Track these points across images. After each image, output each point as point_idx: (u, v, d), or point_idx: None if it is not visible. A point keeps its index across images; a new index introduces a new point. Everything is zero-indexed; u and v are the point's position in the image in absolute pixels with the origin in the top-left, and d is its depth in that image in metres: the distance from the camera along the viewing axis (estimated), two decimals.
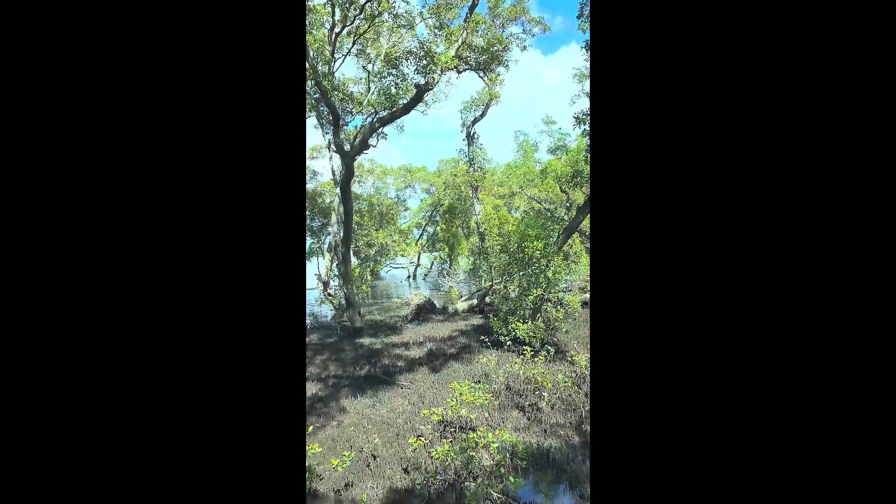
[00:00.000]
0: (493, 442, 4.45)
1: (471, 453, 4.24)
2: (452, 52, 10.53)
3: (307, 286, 25.28)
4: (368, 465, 4.90)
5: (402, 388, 7.56)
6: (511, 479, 3.54)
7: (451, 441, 4.73)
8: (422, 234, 32.05)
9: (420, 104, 11.54)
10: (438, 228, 30.02)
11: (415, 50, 11.13)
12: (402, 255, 29.57)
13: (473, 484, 4.17)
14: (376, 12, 11.24)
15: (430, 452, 4.80)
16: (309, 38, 10.53)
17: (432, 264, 33.91)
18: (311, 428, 5.04)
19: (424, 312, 14.35)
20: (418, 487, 4.30)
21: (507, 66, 13.68)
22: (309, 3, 11.47)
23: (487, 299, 13.87)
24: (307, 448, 4.64)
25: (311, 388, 7.76)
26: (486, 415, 5.89)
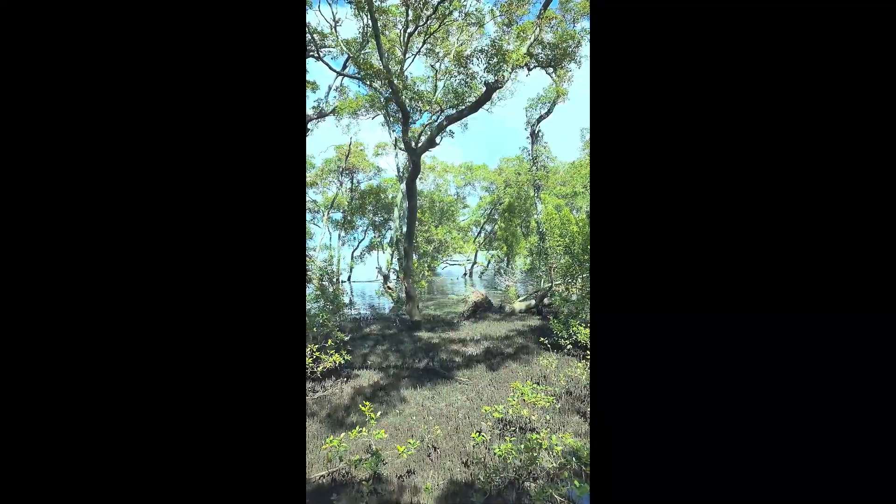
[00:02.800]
0: (556, 444, 4.40)
1: (533, 454, 4.22)
2: (524, 50, 10.41)
3: (368, 278, 26.25)
4: (429, 455, 5.04)
5: (459, 384, 7.65)
6: (576, 483, 3.49)
7: (512, 440, 4.74)
8: (480, 232, 32.06)
9: (487, 103, 11.54)
10: (497, 226, 29.87)
11: (485, 48, 11.13)
12: (460, 252, 29.77)
13: (534, 485, 4.16)
14: (447, 11, 11.37)
15: (490, 449, 4.84)
16: (382, 38, 10.89)
17: (489, 262, 33.82)
18: (377, 414, 5.26)
19: (481, 310, 14.38)
20: (479, 482, 4.35)
21: (578, 62, 13.29)
22: (382, 4, 11.85)
23: (546, 300, 13.63)
24: (374, 432, 4.85)
25: (374, 377, 8.07)
26: (548, 417, 5.82)
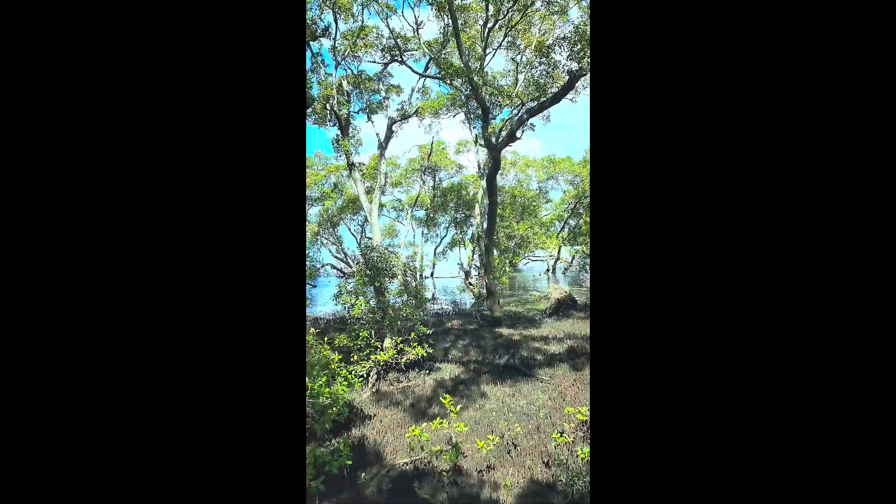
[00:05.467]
0: None
1: None
2: None
3: (451, 274, 26.77)
4: (509, 453, 5.01)
5: (541, 382, 7.49)
6: None
7: None
8: (563, 227, 30.97)
9: (571, 92, 11.08)
10: (582, 221, 28.59)
11: (568, 35, 10.69)
12: (542, 248, 29.05)
13: None
14: (529, 2, 11.11)
15: (574, 451, 4.68)
16: (463, 36, 10.97)
17: (573, 258, 32.52)
18: (457, 407, 5.36)
19: (564, 308, 13.91)
20: (560, 484, 4.24)
21: None
22: (463, 2, 11.92)
23: None
24: (454, 425, 4.96)
25: (455, 371, 8.23)
26: None
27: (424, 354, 8.09)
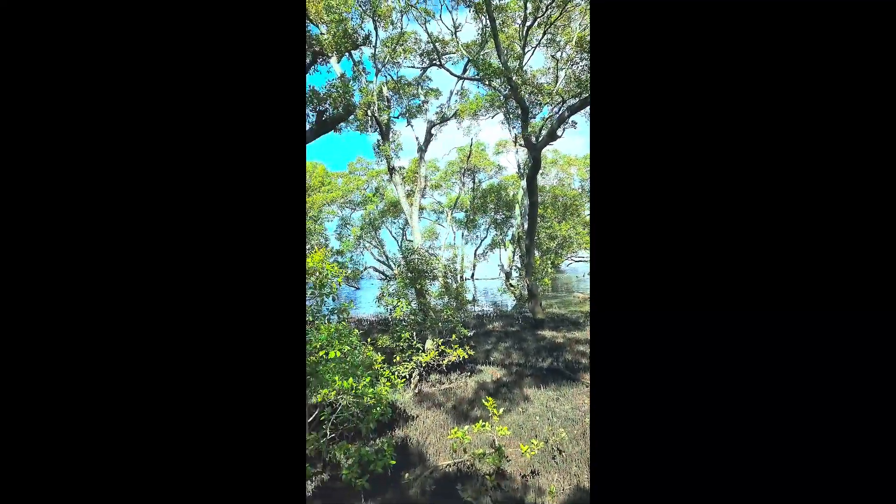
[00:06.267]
0: None
1: None
2: None
3: (491, 276, 26.60)
4: (554, 458, 4.90)
5: (586, 387, 7.27)
6: None
7: None
8: None
9: None
10: None
11: None
12: (585, 249, 28.27)
13: None
14: None
15: None
16: (501, 36, 10.90)
17: None
18: (500, 410, 5.31)
19: None
20: None
21: None
22: (500, 2, 11.85)
23: None
24: (497, 428, 4.91)
25: (497, 374, 8.15)
26: None
27: (466, 356, 8.08)
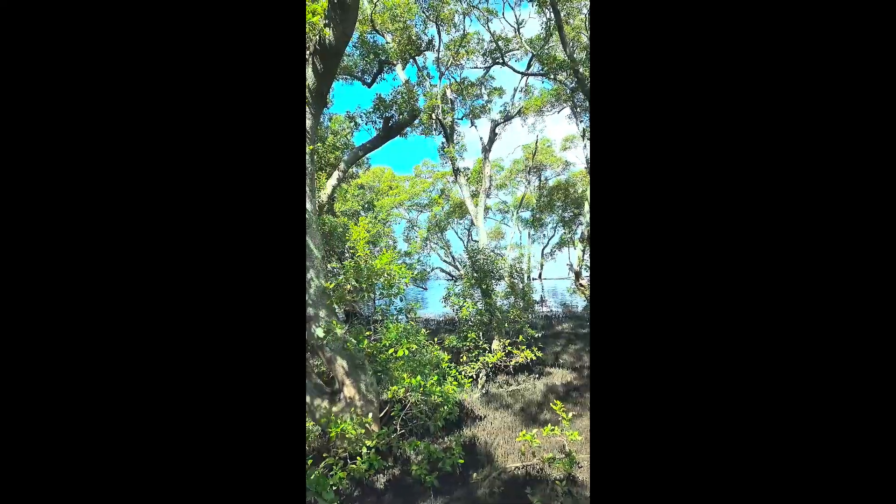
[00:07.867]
0: None
1: None
2: None
3: (559, 276, 25.87)
4: None
5: None
6: None
7: None
8: None
9: None
10: None
11: None
12: None
13: None
14: None
15: None
16: (566, 28, 10.55)
17: None
18: (570, 415, 5.13)
19: None
20: None
21: None
22: None
23: None
24: (566, 433, 4.75)
25: (567, 377, 7.90)
26: None
27: (533, 358, 7.91)
